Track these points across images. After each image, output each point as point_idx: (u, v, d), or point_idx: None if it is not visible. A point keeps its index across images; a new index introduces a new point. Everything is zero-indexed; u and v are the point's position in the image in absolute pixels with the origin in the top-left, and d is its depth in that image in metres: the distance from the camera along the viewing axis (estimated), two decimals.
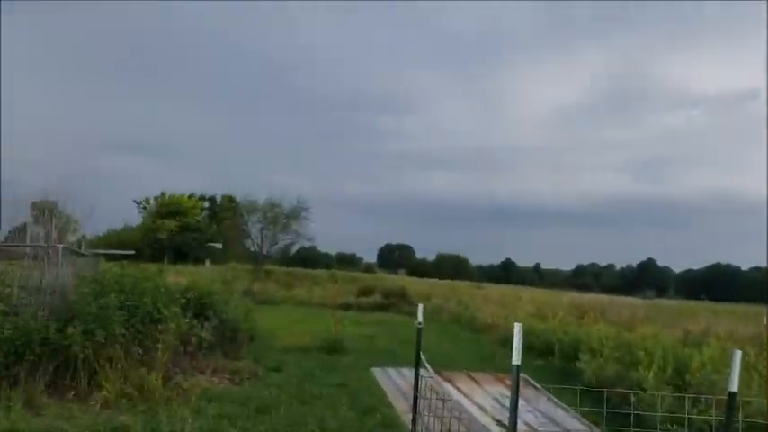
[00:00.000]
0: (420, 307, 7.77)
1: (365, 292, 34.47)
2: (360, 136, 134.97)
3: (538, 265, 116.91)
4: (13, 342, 9.27)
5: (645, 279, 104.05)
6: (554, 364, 15.70)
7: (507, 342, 19.35)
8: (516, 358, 4.20)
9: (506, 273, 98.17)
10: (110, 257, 18.71)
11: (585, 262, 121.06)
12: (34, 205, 15.93)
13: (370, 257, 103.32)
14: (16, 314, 9.92)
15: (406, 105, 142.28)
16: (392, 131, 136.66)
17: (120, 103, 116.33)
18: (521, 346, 4.23)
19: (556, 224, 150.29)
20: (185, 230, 65.04)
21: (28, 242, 12.60)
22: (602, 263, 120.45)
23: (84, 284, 11.02)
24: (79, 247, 13.93)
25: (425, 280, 56.37)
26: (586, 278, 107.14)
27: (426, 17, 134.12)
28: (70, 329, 9.58)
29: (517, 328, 4.16)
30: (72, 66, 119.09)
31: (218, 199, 77.06)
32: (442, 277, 67.07)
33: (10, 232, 13.91)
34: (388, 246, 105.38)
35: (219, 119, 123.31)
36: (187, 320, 12.25)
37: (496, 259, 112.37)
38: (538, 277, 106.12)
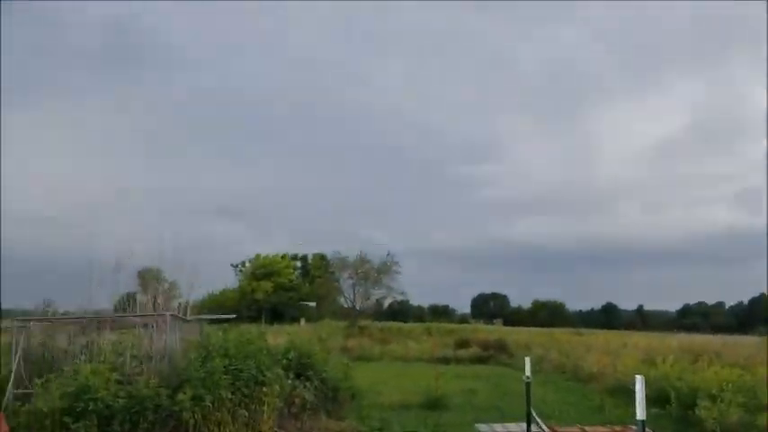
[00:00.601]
0: (527, 360, 7.51)
1: (462, 344, 33.85)
2: (446, 186, 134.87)
3: (641, 307, 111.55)
4: (128, 410, 9.55)
5: (757, 316, 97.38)
6: (671, 412, 14.75)
7: (616, 391, 18.40)
8: (641, 413, 3.97)
9: (607, 317, 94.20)
10: (212, 321, 19.29)
11: (692, 301, 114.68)
12: (141, 274, 16.74)
13: (464, 308, 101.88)
14: (130, 383, 10.28)
15: (491, 152, 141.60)
16: (479, 179, 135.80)
17: (213, 169, 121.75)
18: (644, 400, 4.00)
19: (657, 263, 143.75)
20: (280, 290, 66.47)
21: (138, 310, 13.19)
22: (710, 301, 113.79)
23: (191, 350, 11.35)
24: (184, 313, 14.41)
25: (522, 329, 54.87)
26: (694, 318, 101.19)
27: (501, 62, 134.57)
28: (180, 395, 9.83)
29: (639, 382, 3.94)
30: (165, 135, 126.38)
31: (310, 258, 78.59)
32: (539, 325, 65.14)
33: (120, 301, 14.62)
34: (481, 295, 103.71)
35: (306, 178, 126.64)
36: (290, 381, 12.35)
37: (596, 303, 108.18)
38: (641, 320, 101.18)
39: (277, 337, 25.05)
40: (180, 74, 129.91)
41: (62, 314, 13.01)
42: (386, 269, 55.36)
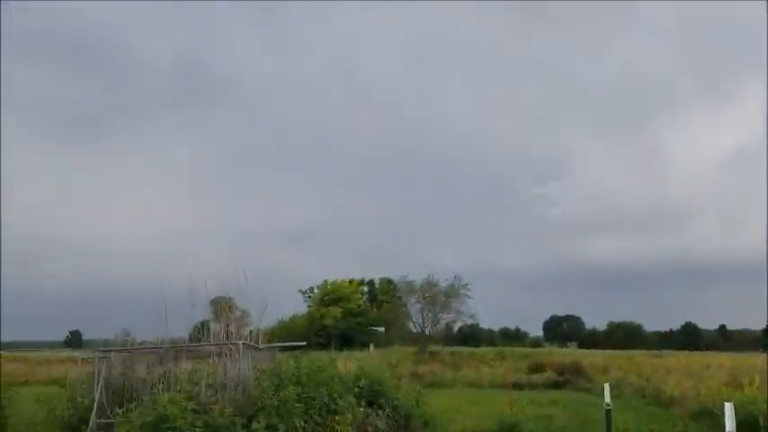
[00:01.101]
0: (606, 387, 7.23)
1: (536, 368, 33.08)
2: (515, 205, 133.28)
3: (723, 326, 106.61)
4: None
5: None
6: None
7: (700, 416, 17.58)
8: None
9: (687, 338, 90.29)
10: (283, 349, 19.47)
11: None
12: (213, 302, 17.08)
13: (536, 331, 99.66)
14: (206, 412, 10.45)
15: (561, 170, 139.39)
16: (548, 198, 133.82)
17: (282, 197, 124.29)
18: (734, 428, 3.76)
19: (739, 279, 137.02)
20: (348, 316, 66.68)
21: (211, 339, 13.43)
22: None
23: (264, 378, 11.48)
24: (256, 341, 14.59)
25: (598, 352, 53.16)
26: None
27: (567, 77, 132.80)
28: (254, 425, 9.92)
29: (729, 410, 3.71)
30: (235, 166, 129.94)
31: (377, 282, 78.69)
32: (615, 347, 63.03)
33: (194, 330, 14.95)
34: (554, 317, 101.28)
35: (373, 203, 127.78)
36: (361, 409, 12.30)
37: (675, 324, 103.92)
38: (724, 340, 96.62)
39: (347, 363, 25.06)
40: (249, 106, 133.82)
41: (140, 344, 13.37)
42: (454, 293, 54.74)
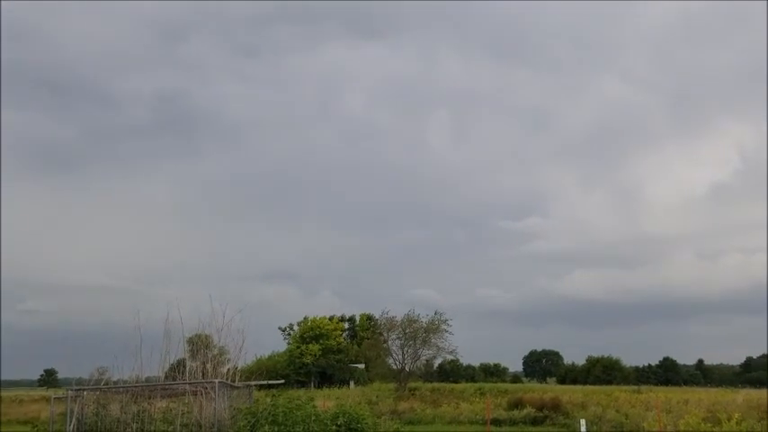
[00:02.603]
0: (582, 422, 7.28)
1: (515, 404, 32.89)
2: (494, 241, 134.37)
3: (701, 362, 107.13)
4: None
5: None
6: None
7: None
8: None
9: (666, 373, 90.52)
10: (261, 386, 19.26)
11: (756, 353, 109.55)
12: (190, 340, 16.91)
13: (516, 366, 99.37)
14: None
15: (536, 206, 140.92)
16: (527, 234, 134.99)
17: (260, 236, 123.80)
18: None
19: (716, 315, 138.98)
20: (328, 353, 66.05)
21: (186, 377, 13.27)
22: None
23: (240, 417, 11.35)
24: (233, 379, 14.46)
25: (577, 387, 53.14)
26: (760, 372, 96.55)
27: (542, 115, 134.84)
28: None
29: None
30: (211, 205, 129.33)
31: (357, 319, 78.18)
32: (594, 383, 63.00)
33: (170, 368, 14.76)
34: (533, 353, 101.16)
35: (351, 240, 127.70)
36: None
37: (653, 358, 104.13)
38: (702, 375, 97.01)
39: (326, 401, 24.83)
40: (229, 145, 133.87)
41: (114, 382, 13.19)
42: (434, 328, 54.47)
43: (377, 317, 63.82)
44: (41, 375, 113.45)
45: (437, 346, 55.50)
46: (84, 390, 12.10)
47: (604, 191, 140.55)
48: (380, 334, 59.93)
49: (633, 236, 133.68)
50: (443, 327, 54.55)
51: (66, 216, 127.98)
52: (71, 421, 11.26)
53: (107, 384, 12.57)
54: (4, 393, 61.41)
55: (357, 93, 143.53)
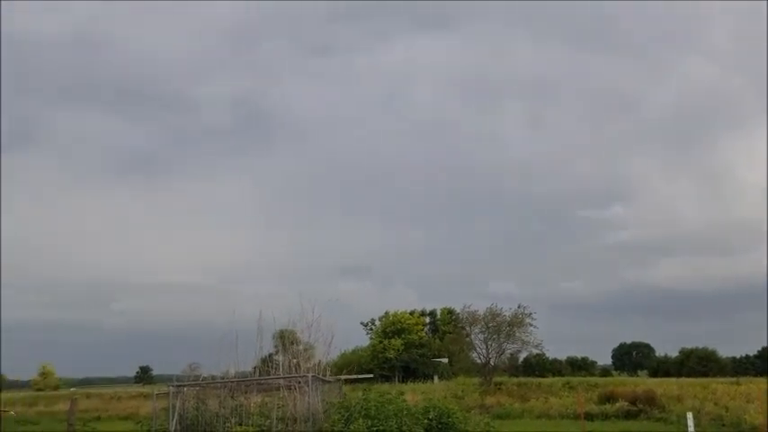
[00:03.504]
0: (689, 417, 6.94)
1: (607, 398, 31.95)
2: (578, 231, 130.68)
3: None
4: None
5: None
6: None
7: None
8: None
9: (766, 363, 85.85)
10: (347, 381, 19.46)
11: None
12: (278, 336, 17.25)
13: (605, 360, 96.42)
14: None
15: (623, 193, 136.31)
16: (612, 223, 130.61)
17: (342, 231, 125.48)
18: None
19: None
20: (411, 348, 66.12)
21: (279, 372, 13.52)
22: None
23: (333, 411, 11.46)
24: (323, 374, 14.63)
25: (671, 380, 51.08)
26: None
27: (628, 98, 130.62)
28: None
29: None
30: (293, 202, 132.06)
31: (438, 313, 77.90)
32: (689, 375, 60.40)
33: (261, 363, 15.08)
34: (622, 346, 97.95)
35: (431, 233, 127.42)
36: None
37: (751, 348, 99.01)
38: None
39: (412, 395, 24.84)
40: (304, 142, 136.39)
41: (205, 377, 13.57)
42: (518, 322, 53.58)
43: (458, 311, 63.41)
44: (137, 372, 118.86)
45: (522, 339, 54.55)
46: (184, 386, 12.51)
47: (691, 176, 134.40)
48: (463, 328, 59.46)
49: (723, 222, 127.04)
50: (528, 320, 53.60)
51: (153, 219, 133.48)
52: (173, 416, 11.66)
53: (205, 380, 12.96)
54: (103, 390, 64.72)
55: (427, 86, 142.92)
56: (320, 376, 13.47)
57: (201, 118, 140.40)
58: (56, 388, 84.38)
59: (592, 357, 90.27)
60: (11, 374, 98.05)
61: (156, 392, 14.47)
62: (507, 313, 53.66)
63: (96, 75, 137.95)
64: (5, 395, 66.19)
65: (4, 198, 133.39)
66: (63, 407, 33.52)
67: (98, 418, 28.41)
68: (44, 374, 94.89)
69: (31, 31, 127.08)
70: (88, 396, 45.66)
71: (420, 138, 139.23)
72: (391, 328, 67.93)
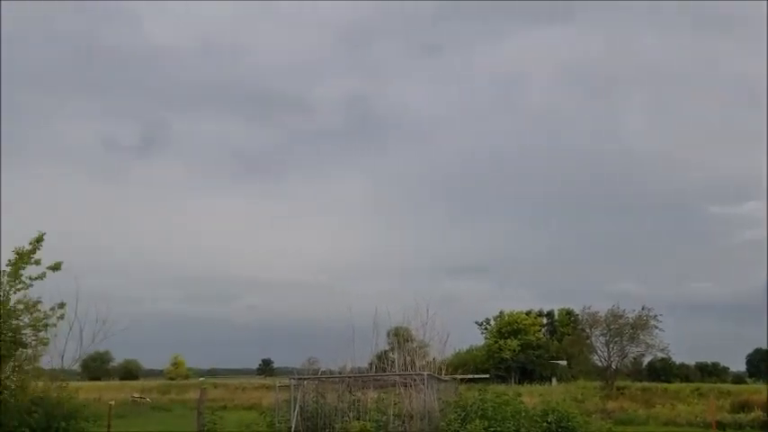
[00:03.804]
0: None
1: (741, 407, 29.89)
2: (706, 229, 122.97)
3: None
4: None
5: None
6: None
7: None
8: None
9: None
10: (461, 380, 19.33)
11: None
12: (392, 333, 17.41)
13: (738, 366, 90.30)
14: None
15: (757, 188, 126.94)
16: (744, 220, 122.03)
17: (456, 229, 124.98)
18: None
19: None
20: (527, 349, 64.87)
21: (395, 369, 13.64)
22: None
23: (449, 410, 11.41)
24: (439, 372, 14.61)
25: None
26: None
27: (758, 86, 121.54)
28: None
29: None
30: (408, 200, 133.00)
31: (556, 314, 75.96)
32: None
33: (376, 360, 15.27)
34: (758, 351, 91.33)
35: (548, 232, 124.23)
36: None
37: None
38: None
39: (529, 397, 24.32)
40: (418, 140, 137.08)
41: (324, 372, 13.87)
42: (642, 324, 51.29)
43: (577, 312, 61.53)
44: (259, 365, 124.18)
45: (646, 342, 52.26)
46: (304, 379, 12.89)
47: None
48: (582, 330, 57.70)
49: None
50: (652, 322, 51.23)
51: (273, 219, 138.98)
52: (294, 408, 12.03)
53: (324, 374, 13.28)
54: (229, 381, 68.07)
55: (541, 80, 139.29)
56: (436, 375, 13.46)
57: (316, 119, 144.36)
58: (186, 377, 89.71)
59: (723, 363, 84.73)
60: (146, 363, 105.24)
61: (278, 384, 15.01)
62: (630, 315, 51.56)
63: (218, 80, 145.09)
64: (142, 383, 71.21)
65: (140, 200, 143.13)
66: (193, 395, 35.56)
67: (224, 407, 29.86)
68: (176, 364, 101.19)
69: (160, 40, 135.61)
70: (215, 386, 48.16)
71: (536, 134, 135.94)
72: (507, 328, 66.93)
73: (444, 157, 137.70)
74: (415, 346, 15.31)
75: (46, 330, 14.59)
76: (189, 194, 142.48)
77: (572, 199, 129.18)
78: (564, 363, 61.48)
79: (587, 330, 55.64)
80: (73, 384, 17.21)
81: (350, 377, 12.85)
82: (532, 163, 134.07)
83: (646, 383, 52.63)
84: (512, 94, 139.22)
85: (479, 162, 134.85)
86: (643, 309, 51.43)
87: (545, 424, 12.36)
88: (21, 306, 14.22)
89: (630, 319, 51.54)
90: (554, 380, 57.94)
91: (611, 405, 32.59)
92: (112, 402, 21.12)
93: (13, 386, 13.69)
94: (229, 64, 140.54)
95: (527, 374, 60.50)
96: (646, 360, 60.82)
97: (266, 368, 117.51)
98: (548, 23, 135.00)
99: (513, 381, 57.14)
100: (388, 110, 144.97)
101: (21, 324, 14.12)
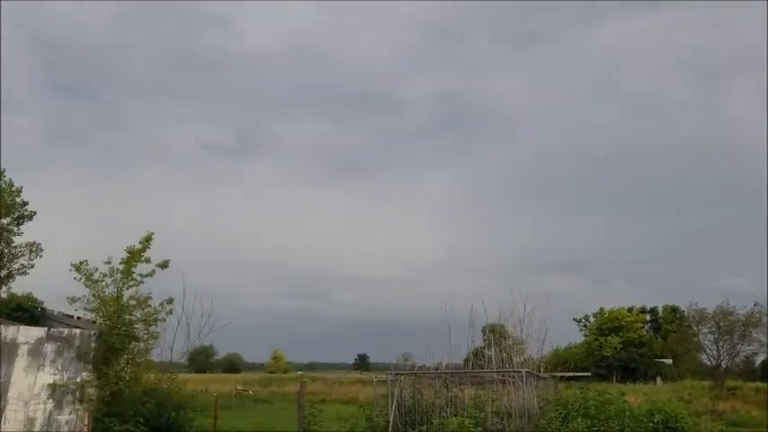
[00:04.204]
0: None
1: None
2: None
3: None
4: None
5: None
6: None
7: None
8: None
9: None
10: (566, 378, 18.87)
11: None
12: (488, 329, 17.19)
13: None
14: None
15: None
16: None
17: (551, 225, 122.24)
18: None
19: None
20: (629, 346, 62.56)
21: (493, 366, 13.47)
22: None
23: (550, 408, 11.16)
24: (537, 370, 14.31)
25: None
26: None
27: None
28: None
29: None
30: (500, 196, 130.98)
31: (660, 311, 72.85)
32: None
33: (472, 356, 15.14)
34: None
35: (644, 226, 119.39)
36: None
37: None
38: None
39: (633, 396, 23.43)
40: (509, 136, 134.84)
41: (419, 367, 13.87)
42: (755, 321, 48.45)
43: (683, 308, 58.80)
44: (355, 359, 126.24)
45: (759, 341, 49.43)
46: (401, 374, 12.96)
47: None
48: (689, 327, 55.16)
49: None
50: (765, 320, 48.33)
51: (367, 217, 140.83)
52: (392, 403, 12.12)
53: (420, 370, 13.31)
54: (326, 375, 69.52)
55: (641, 68, 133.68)
56: (534, 372, 13.20)
57: (406, 117, 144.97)
58: (285, 371, 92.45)
59: None
60: (247, 357, 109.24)
61: (375, 379, 15.18)
62: (741, 312, 48.87)
63: (311, 82, 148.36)
64: (244, 376, 73.90)
65: (238, 200, 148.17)
66: (292, 388, 36.51)
67: (323, 401, 30.44)
68: (275, 358, 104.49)
69: (254, 44, 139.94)
70: (314, 380, 49.27)
71: (636, 123, 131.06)
72: (608, 325, 64.81)
73: (538, 151, 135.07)
74: (511, 342, 15.08)
75: (156, 325, 15.40)
76: (285, 194, 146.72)
77: (675, 192, 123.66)
78: (669, 361, 58.98)
79: (694, 328, 53.18)
80: (181, 376, 18.07)
81: (447, 373, 12.80)
82: (633, 155, 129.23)
83: (760, 384, 49.69)
84: (607, 82, 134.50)
85: (576, 154, 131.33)
86: (755, 305, 48.61)
87: (651, 424, 11.84)
88: (133, 302, 15.05)
89: (742, 316, 48.90)
90: (659, 379, 55.62)
91: (721, 406, 30.91)
92: (216, 394, 22.01)
93: (127, 377, 14.49)
94: (321, 66, 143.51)
95: (629, 373, 58.37)
96: (759, 359, 57.57)
97: (362, 363, 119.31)
98: (644, 7, 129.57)
99: (614, 379, 55.30)
100: (479, 105, 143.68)
101: (133, 319, 14.94)
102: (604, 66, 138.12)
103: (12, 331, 13.79)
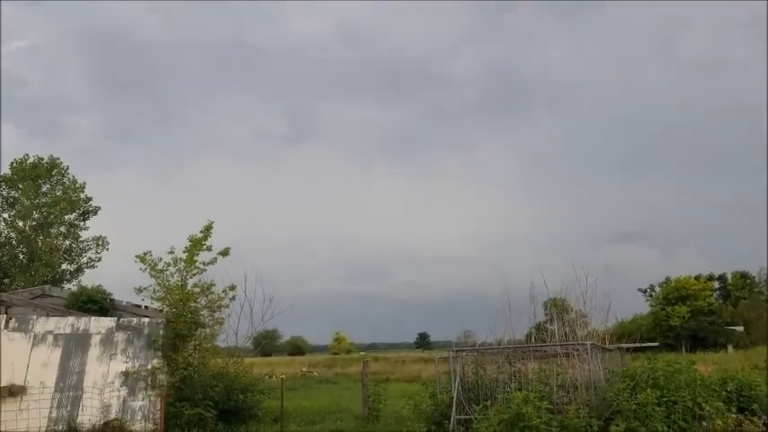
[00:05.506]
0: None
1: None
2: None
3: None
4: None
5: None
6: None
7: None
8: None
9: None
10: (632, 350, 18.47)
11: None
12: (550, 304, 16.92)
13: None
14: (559, 411, 10.32)
15: None
16: None
17: (613, 195, 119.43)
18: None
19: None
20: (698, 315, 60.90)
21: (556, 340, 13.28)
22: None
23: (617, 380, 10.94)
24: (603, 342, 14.03)
25: None
26: None
27: None
28: (613, 428, 9.50)
29: None
30: (557, 167, 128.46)
31: (729, 278, 70.57)
32: None
33: (533, 331, 14.96)
34: None
35: (710, 195, 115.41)
36: (733, 416, 10.97)
37: None
38: None
39: (703, 365, 22.76)
40: (567, 107, 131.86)
41: (481, 344, 13.77)
42: None
43: (753, 274, 56.91)
44: (416, 339, 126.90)
45: None
46: (463, 350, 12.91)
47: None
48: (761, 293, 53.41)
49: None
50: None
51: (423, 196, 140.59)
52: (456, 380, 12.10)
53: (482, 346, 13.23)
54: (389, 354, 70.09)
55: (701, 30, 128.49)
56: (599, 344, 12.94)
57: (458, 93, 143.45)
58: (348, 352, 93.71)
59: None
60: (311, 339, 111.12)
61: (437, 357, 15.20)
62: None
63: (359, 65, 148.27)
64: (309, 358, 75.20)
65: (295, 186, 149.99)
66: (356, 369, 36.94)
67: (386, 380, 30.74)
68: (338, 340, 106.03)
69: (301, 32, 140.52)
70: (376, 360, 49.73)
71: (693, 88, 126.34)
72: (674, 294, 63.19)
73: (596, 120, 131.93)
74: (573, 316, 14.82)
75: (220, 311, 15.78)
76: (340, 177, 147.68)
77: (742, 157, 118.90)
78: (741, 329, 57.17)
79: (766, 293, 51.42)
80: (247, 360, 18.50)
81: (509, 348, 12.69)
82: (690, 119, 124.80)
83: None
84: (664, 47, 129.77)
85: (637, 122, 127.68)
86: None
87: (724, 393, 11.47)
88: (197, 289, 15.44)
89: None
90: (730, 347, 54.07)
91: None
92: (283, 376, 22.44)
93: (195, 363, 14.91)
94: (369, 48, 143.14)
95: (698, 342, 56.89)
96: None
97: (423, 342, 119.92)
98: None
99: (683, 349, 54.00)
100: (533, 76, 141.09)
101: (198, 306, 15.34)
102: (662, 29, 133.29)
103: (84, 322, 14.35)
